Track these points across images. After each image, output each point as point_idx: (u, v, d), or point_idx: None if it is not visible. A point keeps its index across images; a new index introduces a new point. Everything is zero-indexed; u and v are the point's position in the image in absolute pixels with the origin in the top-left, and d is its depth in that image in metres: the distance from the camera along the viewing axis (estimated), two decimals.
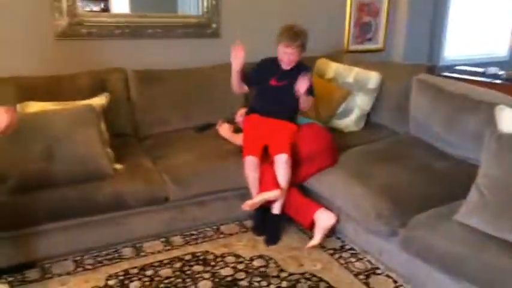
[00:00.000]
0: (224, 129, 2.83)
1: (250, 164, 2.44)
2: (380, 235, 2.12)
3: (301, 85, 2.42)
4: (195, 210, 2.52)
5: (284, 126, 2.61)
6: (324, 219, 2.32)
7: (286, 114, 2.64)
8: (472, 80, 3.05)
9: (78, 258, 2.26)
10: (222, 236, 2.52)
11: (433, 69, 2.94)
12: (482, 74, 3.33)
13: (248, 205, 2.40)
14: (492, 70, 3.28)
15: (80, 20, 2.82)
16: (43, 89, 2.56)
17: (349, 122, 3.09)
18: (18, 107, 2.29)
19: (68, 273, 2.15)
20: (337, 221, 2.37)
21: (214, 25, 3.28)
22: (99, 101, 2.51)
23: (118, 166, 2.39)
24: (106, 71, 2.83)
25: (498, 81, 3.04)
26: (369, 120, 3.16)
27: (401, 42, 4.08)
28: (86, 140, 2.24)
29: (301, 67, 2.60)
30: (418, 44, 4.16)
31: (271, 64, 2.63)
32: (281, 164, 2.42)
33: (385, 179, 2.28)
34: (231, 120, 2.96)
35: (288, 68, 2.57)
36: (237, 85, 2.63)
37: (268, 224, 2.50)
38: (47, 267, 2.19)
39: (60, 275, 2.14)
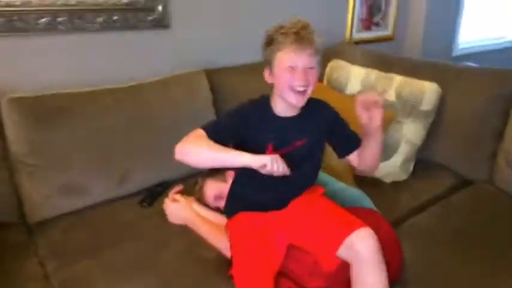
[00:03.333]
0: (176, 211, 1.53)
1: None
2: None
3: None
4: None
5: (316, 198, 1.39)
6: None
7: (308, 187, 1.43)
8: None
9: None
10: None
11: None
12: None
13: None
14: None
15: None
16: None
17: (393, 166, 1.90)
18: None
19: None
20: None
21: (159, 8, 1.91)
22: None
23: None
24: None
25: None
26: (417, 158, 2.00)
27: (420, 28, 2.95)
28: None
29: (319, 104, 1.40)
30: (437, 30, 3.06)
31: (260, 115, 1.35)
32: (365, 249, 1.16)
33: None
34: (196, 184, 1.66)
35: (299, 105, 1.31)
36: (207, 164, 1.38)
37: None
38: None
39: None
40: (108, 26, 1.81)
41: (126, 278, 1.28)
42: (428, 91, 1.88)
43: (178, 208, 1.53)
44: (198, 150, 1.28)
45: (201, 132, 1.30)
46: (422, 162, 1.98)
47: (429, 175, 1.93)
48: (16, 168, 1.54)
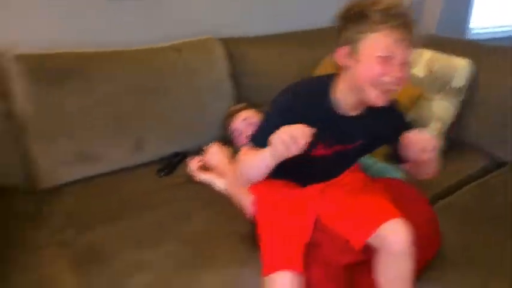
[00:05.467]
0: (218, 152, 1.53)
1: None
2: None
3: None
4: None
5: (355, 177, 1.28)
6: None
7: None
8: None
9: None
10: None
11: None
12: None
13: None
14: None
15: None
16: None
17: None
18: None
19: None
20: None
21: None
22: None
23: None
24: None
25: None
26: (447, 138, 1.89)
27: (437, 9, 2.85)
28: None
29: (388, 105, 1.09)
30: (453, 13, 2.96)
31: (313, 112, 1.07)
32: (397, 243, 1.06)
33: None
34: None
35: (379, 105, 1.04)
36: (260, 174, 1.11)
37: None
38: None
39: None
40: None
41: (148, 245, 1.17)
42: (460, 67, 1.78)
43: (220, 150, 1.51)
44: (245, 170, 1.13)
45: (244, 150, 1.15)
46: (452, 142, 1.87)
47: (460, 156, 1.82)
48: (23, 130, 1.40)
